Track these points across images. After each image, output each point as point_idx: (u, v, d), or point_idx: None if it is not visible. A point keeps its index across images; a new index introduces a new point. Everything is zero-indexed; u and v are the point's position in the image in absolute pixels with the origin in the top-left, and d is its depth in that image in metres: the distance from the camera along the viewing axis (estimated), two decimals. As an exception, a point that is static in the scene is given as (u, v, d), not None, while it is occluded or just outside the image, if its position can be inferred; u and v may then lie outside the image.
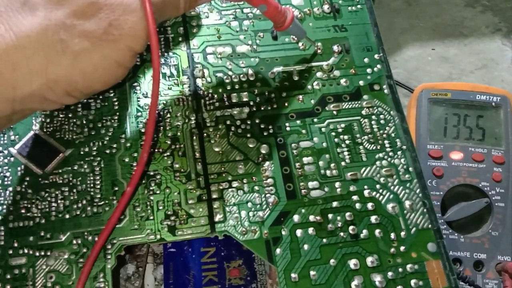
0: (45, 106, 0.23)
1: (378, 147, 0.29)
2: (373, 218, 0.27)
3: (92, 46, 0.22)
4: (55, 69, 0.21)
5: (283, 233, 0.26)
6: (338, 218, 0.27)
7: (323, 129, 0.29)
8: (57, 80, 0.22)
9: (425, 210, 0.27)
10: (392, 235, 0.26)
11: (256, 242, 0.26)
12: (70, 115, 0.29)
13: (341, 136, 0.29)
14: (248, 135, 0.28)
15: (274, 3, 0.26)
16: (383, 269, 0.26)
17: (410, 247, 0.26)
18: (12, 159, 0.27)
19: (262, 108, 0.29)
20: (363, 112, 0.30)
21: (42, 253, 0.25)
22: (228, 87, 0.30)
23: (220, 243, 0.30)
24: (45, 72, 0.21)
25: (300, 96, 0.30)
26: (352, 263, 0.26)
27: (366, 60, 0.31)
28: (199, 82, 0.30)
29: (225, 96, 0.29)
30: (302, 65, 0.31)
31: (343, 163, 0.28)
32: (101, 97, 0.29)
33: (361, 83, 0.30)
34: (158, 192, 0.27)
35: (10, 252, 0.25)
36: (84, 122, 0.28)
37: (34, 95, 0.22)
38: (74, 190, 0.27)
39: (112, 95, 0.29)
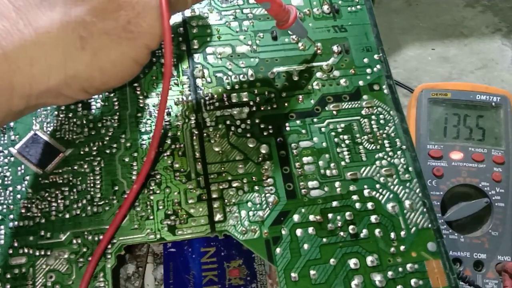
0: (59, 102, 0.23)
1: (378, 147, 0.29)
2: (373, 218, 0.27)
3: (111, 43, 0.22)
4: (73, 65, 0.21)
5: (283, 232, 0.26)
6: (338, 217, 0.27)
7: (323, 129, 0.29)
8: (75, 77, 0.22)
9: (425, 209, 0.27)
10: (392, 235, 0.26)
11: (256, 241, 0.26)
12: (70, 115, 0.29)
13: (341, 136, 0.29)
14: (248, 135, 0.28)
15: (278, 0, 0.26)
16: (383, 268, 0.26)
17: (410, 247, 0.26)
18: (12, 159, 0.27)
19: (262, 108, 0.29)
20: (363, 112, 0.30)
21: (42, 253, 0.25)
22: (228, 87, 0.30)
23: (220, 243, 0.30)
24: (64, 68, 0.21)
25: (300, 96, 0.30)
26: (352, 262, 0.26)
27: (365, 60, 0.31)
28: (199, 82, 0.30)
29: (225, 96, 0.29)
30: (302, 65, 0.31)
31: (343, 163, 0.28)
32: (101, 96, 0.29)
33: (360, 83, 0.30)
34: (158, 191, 0.27)
35: (10, 251, 0.25)
36: (84, 122, 0.28)
37: (50, 91, 0.22)
38: (74, 190, 0.27)
39: (112, 95, 0.29)
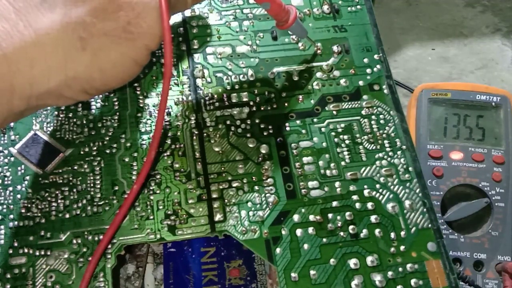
0: (60, 103, 0.23)
1: (378, 147, 0.29)
2: (373, 218, 0.27)
3: (111, 44, 0.22)
4: (74, 66, 0.21)
5: (283, 232, 0.26)
6: (338, 217, 0.27)
7: (323, 129, 0.29)
8: (76, 78, 0.22)
9: (425, 209, 0.27)
10: (392, 235, 0.26)
11: (256, 241, 0.26)
12: (70, 115, 0.29)
13: (341, 136, 0.29)
14: (248, 135, 0.28)
15: (278, 0, 0.26)
16: (383, 268, 0.26)
17: (410, 247, 0.26)
18: (12, 159, 0.27)
19: (262, 108, 0.29)
20: (363, 112, 0.30)
21: (42, 253, 0.25)
22: (228, 87, 0.30)
23: (220, 243, 0.30)
24: (64, 69, 0.21)
25: (300, 96, 0.30)
26: (352, 262, 0.26)
27: (365, 60, 0.31)
28: (199, 82, 0.30)
29: (225, 96, 0.29)
30: (302, 65, 0.31)
31: (343, 163, 0.28)
32: (101, 96, 0.29)
33: (360, 83, 0.30)
34: (158, 191, 0.27)
35: (10, 251, 0.25)
36: (84, 122, 0.28)
37: (51, 92, 0.22)
38: (74, 190, 0.27)
39: (112, 95, 0.29)
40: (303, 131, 0.29)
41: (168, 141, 0.28)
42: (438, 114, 0.40)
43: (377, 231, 0.26)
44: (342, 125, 0.29)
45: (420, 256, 0.26)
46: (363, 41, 0.32)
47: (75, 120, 0.29)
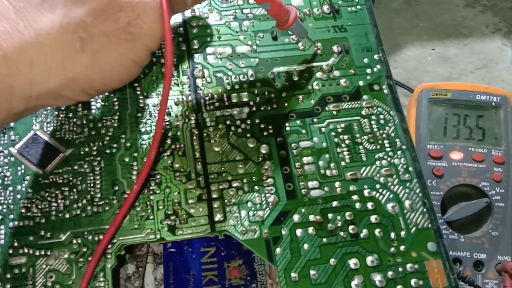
0: (59, 103, 0.23)
1: (378, 147, 0.29)
2: (373, 218, 0.27)
3: (111, 44, 0.22)
4: (73, 67, 0.21)
5: (283, 232, 0.26)
6: (338, 217, 0.27)
7: (323, 129, 0.29)
8: (75, 78, 0.22)
9: (425, 209, 0.27)
10: (392, 235, 0.26)
11: (256, 241, 0.26)
12: (70, 115, 0.29)
13: (341, 136, 0.29)
14: (248, 135, 0.28)
15: (278, 1, 0.26)
16: (383, 268, 0.26)
17: (410, 247, 0.26)
18: (12, 159, 0.27)
19: (262, 108, 0.29)
20: (363, 112, 0.30)
21: (42, 253, 0.25)
22: (228, 87, 0.30)
23: (220, 243, 0.30)
24: (64, 70, 0.21)
25: (300, 96, 0.30)
26: (352, 262, 0.26)
27: (365, 60, 0.31)
28: (199, 82, 0.30)
29: (225, 96, 0.29)
30: (302, 65, 0.31)
31: (343, 163, 0.28)
32: (101, 96, 0.29)
33: (360, 83, 0.30)
34: (158, 191, 0.27)
35: (10, 251, 0.25)
36: (84, 122, 0.28)
37: (50, 93, 0.22)
38: (74, 190, 0.27)
39: (112, 95, 0.29)
40: (303, 131, 0.29)
41: (168, 141, 0.28)
42: (438, 114, 0.40)
43: (377, 231, 0.26)
44: (342, 125, 0.29)
45: (420, 256, 0.26)
46: (363, 41, 0.32)
47: (75, 120, 0.29)
